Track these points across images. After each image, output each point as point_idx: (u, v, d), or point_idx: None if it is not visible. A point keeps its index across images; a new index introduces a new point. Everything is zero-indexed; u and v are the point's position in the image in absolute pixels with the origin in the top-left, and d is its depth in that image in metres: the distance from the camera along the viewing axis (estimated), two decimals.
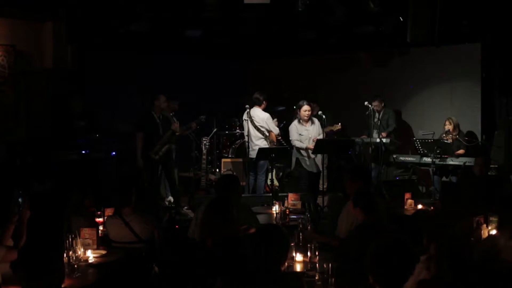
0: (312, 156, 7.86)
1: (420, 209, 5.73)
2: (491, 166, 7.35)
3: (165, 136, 7.89)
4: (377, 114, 9.32)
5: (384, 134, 9.13)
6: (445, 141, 8.40)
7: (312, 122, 8.01)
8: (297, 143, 7.86)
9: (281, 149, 8.30)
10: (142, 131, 7.85)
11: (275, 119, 8.65)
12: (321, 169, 7.99)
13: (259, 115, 8.35)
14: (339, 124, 8.84)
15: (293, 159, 8.16)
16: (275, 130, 8.41)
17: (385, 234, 4.03)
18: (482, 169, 6.49)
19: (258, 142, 8.25)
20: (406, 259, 2.81)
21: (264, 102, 8.40)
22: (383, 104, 9.43)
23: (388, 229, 4.12)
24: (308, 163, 7.93)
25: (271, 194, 7.35)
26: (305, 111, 7.84)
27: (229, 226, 4.00)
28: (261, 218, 5.75)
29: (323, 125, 8.24)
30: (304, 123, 7.92)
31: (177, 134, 8.06)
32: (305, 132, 7.87)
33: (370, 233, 3.86)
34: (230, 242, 3.56)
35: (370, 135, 8.88)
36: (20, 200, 3.96)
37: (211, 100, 10.44)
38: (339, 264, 3.69)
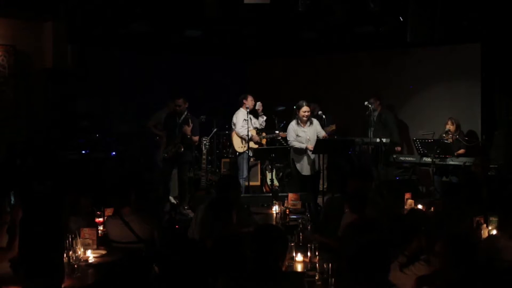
0: (312, 156, 7.82)
1: (414, 208, 5.71)
2: (491, 166, 7.36)
3: (176, 138, 8.01)
4: (374, 113, 9.27)
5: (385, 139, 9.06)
6: (445, 141, 8.40)
7: (311, 123, 7.98)
8: (295, 144, 7.82)
9: (281, 149, 8.30)
10: (165, 129, 8.38)
11: (262, 119, 8.72)
12: (320, 169, 7.97)
13: (235, 114, 8.58)
14: (334, 125, 8.83)
15: (290, 160, 8.15)
16: (236, 128, 8.54)
17: (376, 233, 4.04)
18: (480, 169, 6.49)
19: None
20: (378, 261, 2.81)
21: (244, 101, 8.49)
22: (378, 103, 9.37)
23: (379, 229, 4.13)
24: (303, 165, 7.86)
25: (271, 194, 7.34)
26: (305, 111, 7.80)
27: (229, 226, 4.01)
28: (261, 218, 5.76)
29: (323, 126, 8.22)
30: (302, 124, 7.88)
31: (189, 136, 8.11)
32: (303, 134, 7.84)
33: (360, 232, 3.86)
34: (230, 242, 3.56)
35: (370, 135, 8.87)
36: (12, 200, 3.96)
37: (211, 100, 10.44)
38: (339, 264, 3.69)
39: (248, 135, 8.35)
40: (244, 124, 8.44)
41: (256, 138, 8.57)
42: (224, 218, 4.04)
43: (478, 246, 3.26)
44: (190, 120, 8.10)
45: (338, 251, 3.95)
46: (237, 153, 8.60)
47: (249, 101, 8.53)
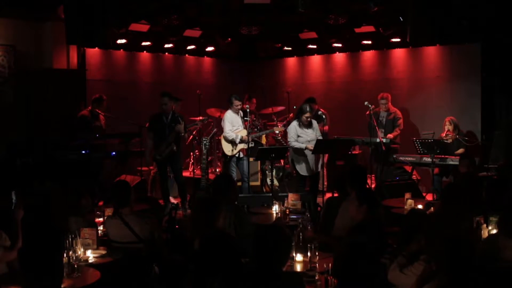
0: (311, 157, 7.81)
1: (414, 208, 5.71)
2: (491, 166, 7.34)
3: (169, 137, 7.93)
4: (384, 113, 9.17)
5: (391, 136, 8.98)
6: (445, 141, 8.39)
7: (311, 125, 7.95)
8: (295, 144, 7.81)
9: (281, 149, 8.29)
10: (152, 131, 8.08)
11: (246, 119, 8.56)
12: (319, 169, 7.96)
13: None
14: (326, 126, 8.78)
15: (289, 160, 8.13)
16: (224, 132, 8.42)
17: (383, 234, 4.05)
18: (466, 170, 6.54)
19: None
20: (361, 263, 2.83)
21: (233, 102, 8.33)
22: (374, 106, 9.24)
23: (385, 229, 4.13)
24: (302, 165, 7.84)
25: (271, 194, 7.34)
26: (307, 117, 7.79)
27: (211, 227, 3.98)
28: (261, 218, 5.76)
29: (324, 125, 8.21)
30: (303, 126, 7.86)
31: (182, 134, 8.08)
32: (304, 135, 7.84)
33: (369, 232, 3.86)
34: (215, 242, 3.51)
35: (370, 135, 8.85)
36: (14, 200, 3.94)
37: (211, 100, 10.44)
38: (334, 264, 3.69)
39: (238, 137, 8.29)
40: (238, 126, 8.37)
41: (245, 139, 8.37)
42: (206, 218, 4.03)
43: (476, 247, 3.26)
44: (180, 118, 8.05)
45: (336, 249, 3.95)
46: (227, 156, 8.55)
47: (235, 104, 8.35)
